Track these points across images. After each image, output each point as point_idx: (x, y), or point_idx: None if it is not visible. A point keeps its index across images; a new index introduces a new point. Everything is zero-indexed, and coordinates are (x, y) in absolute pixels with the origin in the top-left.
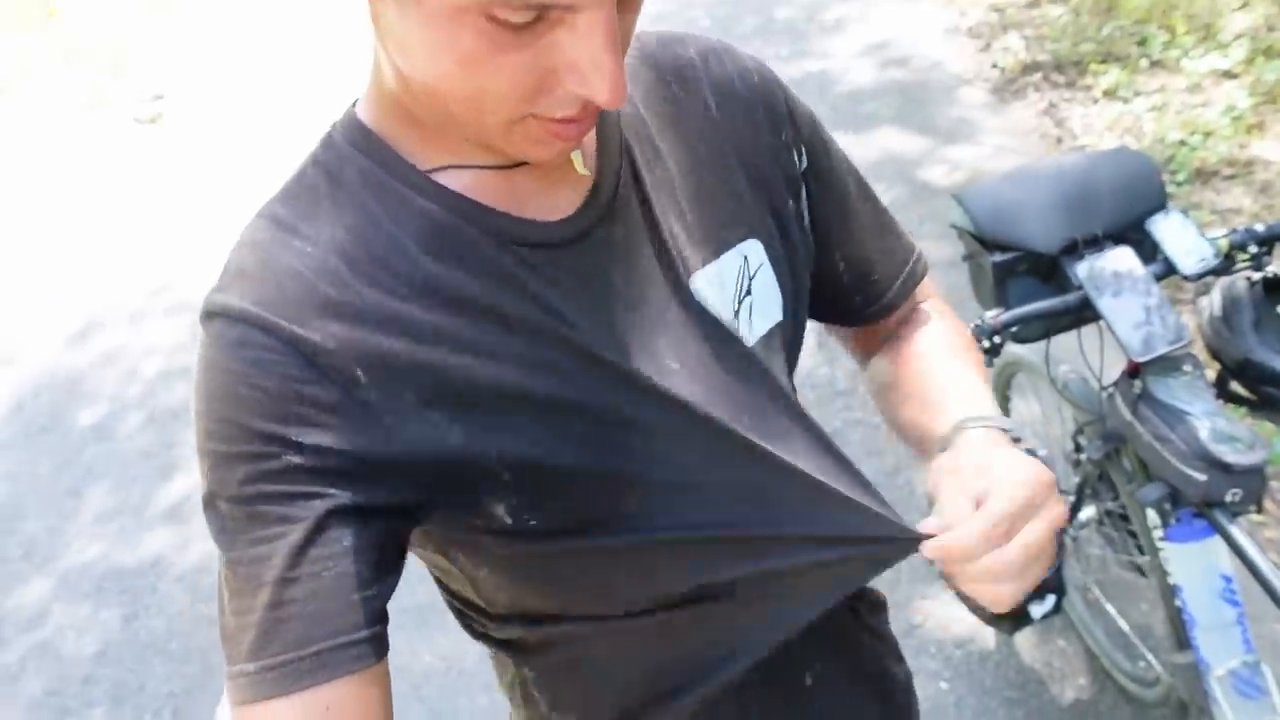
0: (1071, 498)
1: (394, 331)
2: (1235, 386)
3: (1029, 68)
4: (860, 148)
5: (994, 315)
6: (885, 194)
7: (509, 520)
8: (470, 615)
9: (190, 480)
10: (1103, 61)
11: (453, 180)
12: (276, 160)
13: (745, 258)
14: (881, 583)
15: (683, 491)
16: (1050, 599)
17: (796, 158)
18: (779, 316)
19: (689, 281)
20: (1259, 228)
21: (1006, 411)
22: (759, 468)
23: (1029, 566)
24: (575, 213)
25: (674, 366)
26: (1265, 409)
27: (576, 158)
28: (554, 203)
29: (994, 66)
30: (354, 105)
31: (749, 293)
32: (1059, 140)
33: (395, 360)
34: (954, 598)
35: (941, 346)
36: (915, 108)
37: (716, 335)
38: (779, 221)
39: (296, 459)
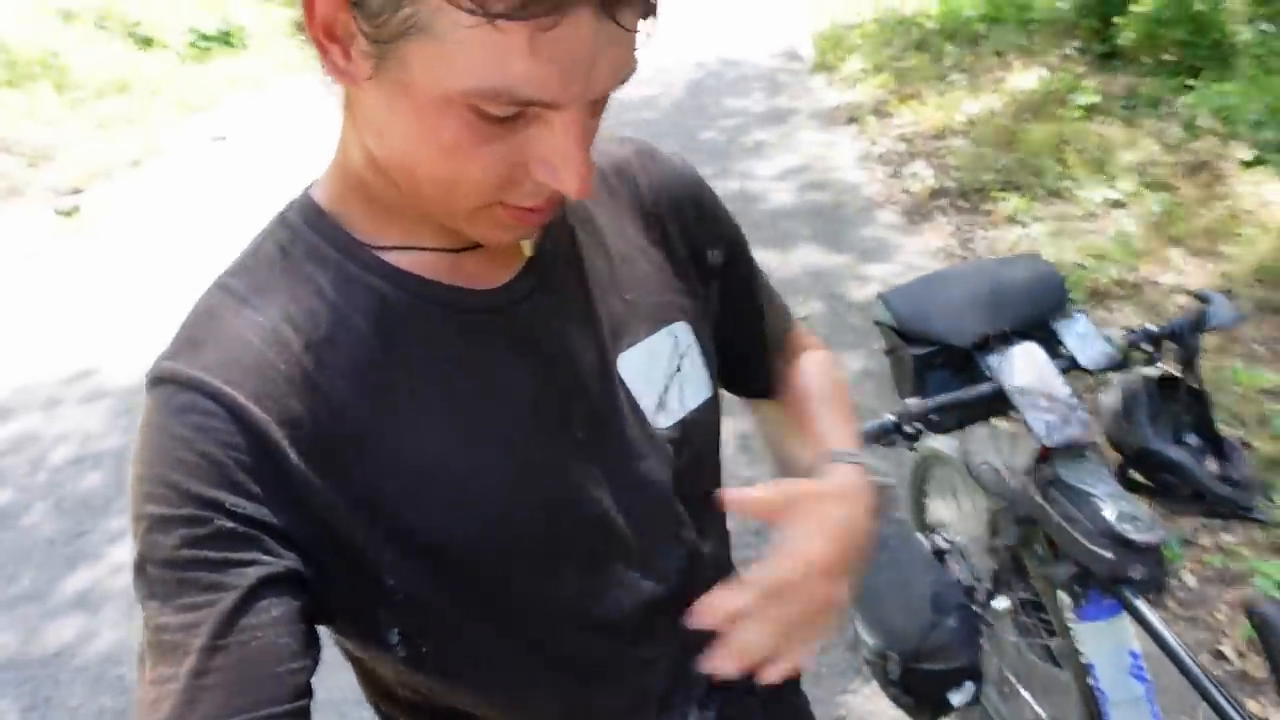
0: (988, 586)
1: (333, 406)
2: (1135, 475)
3: (936, 193)
4: (780, 263)
5: (915, 403)
6: (803, 306)
7: (400, 650)
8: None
9: (97, 570)
10: (1003, 189)
11: (400, 258)
12: (190, 256)
13: (675, 337)
14: (805, 678)
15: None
16: (969, 686)
17: (713, 253)
18: (708, 393)
19: (615, 358)
20: (1152, 328)
21: (922, 505)
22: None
23: (777, 642)
24: (510, 281)
25: (580, 437)
26: (1162, 495)
27: (524, 244)
28: (494, 274)
29: (904, 191)
30: (310, 187)
31: (679, 369)
32: (965, 260)
33: (330, 437)
34: (876, 690)
35: (822, 393)
36: (832, 227)
37: (632, 414)
38: (700, 307)
39: (232, 525)
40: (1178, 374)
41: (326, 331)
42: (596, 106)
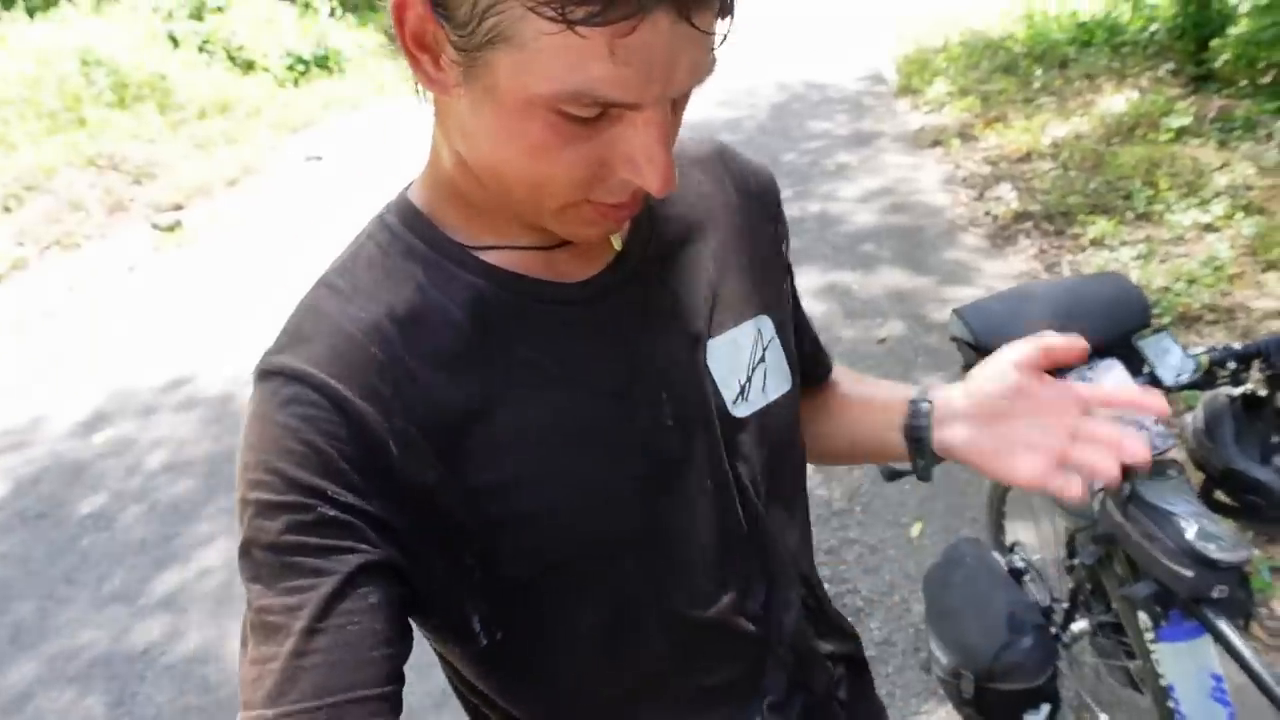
0: (1066, 607)
1: (432, 397)
2: (1219, 495)
3: (1021, 216)
4: (861, 285)
5: None
6: (883, 328)
7: (482, 639)
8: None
9: (185, 573)
10: (1090, 212)
11: (494, 256)
12: (283, 270)
13: (759, 330)
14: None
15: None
16: (1045, 708)
17: (784, 249)
18: (787, 385)
19: (703, 346)
20: (1236, 346)
21: (1000, 524)
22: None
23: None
24: (599, 273)
25: (669, 424)
26: (1247, 517)
27: (614, 237)
28: (585, 268)
29: (988, 214)
30: (406, 189)
31: (763, 360)
32: None
33: (429, 427)
34: (950, 713)
35: (866, 381)
36: (914, 250)
37: (715, 403)
38: (782, 301)
39: (334, 513)
40: (1264, 393)
41: (425, 325)
42: (678, 105)
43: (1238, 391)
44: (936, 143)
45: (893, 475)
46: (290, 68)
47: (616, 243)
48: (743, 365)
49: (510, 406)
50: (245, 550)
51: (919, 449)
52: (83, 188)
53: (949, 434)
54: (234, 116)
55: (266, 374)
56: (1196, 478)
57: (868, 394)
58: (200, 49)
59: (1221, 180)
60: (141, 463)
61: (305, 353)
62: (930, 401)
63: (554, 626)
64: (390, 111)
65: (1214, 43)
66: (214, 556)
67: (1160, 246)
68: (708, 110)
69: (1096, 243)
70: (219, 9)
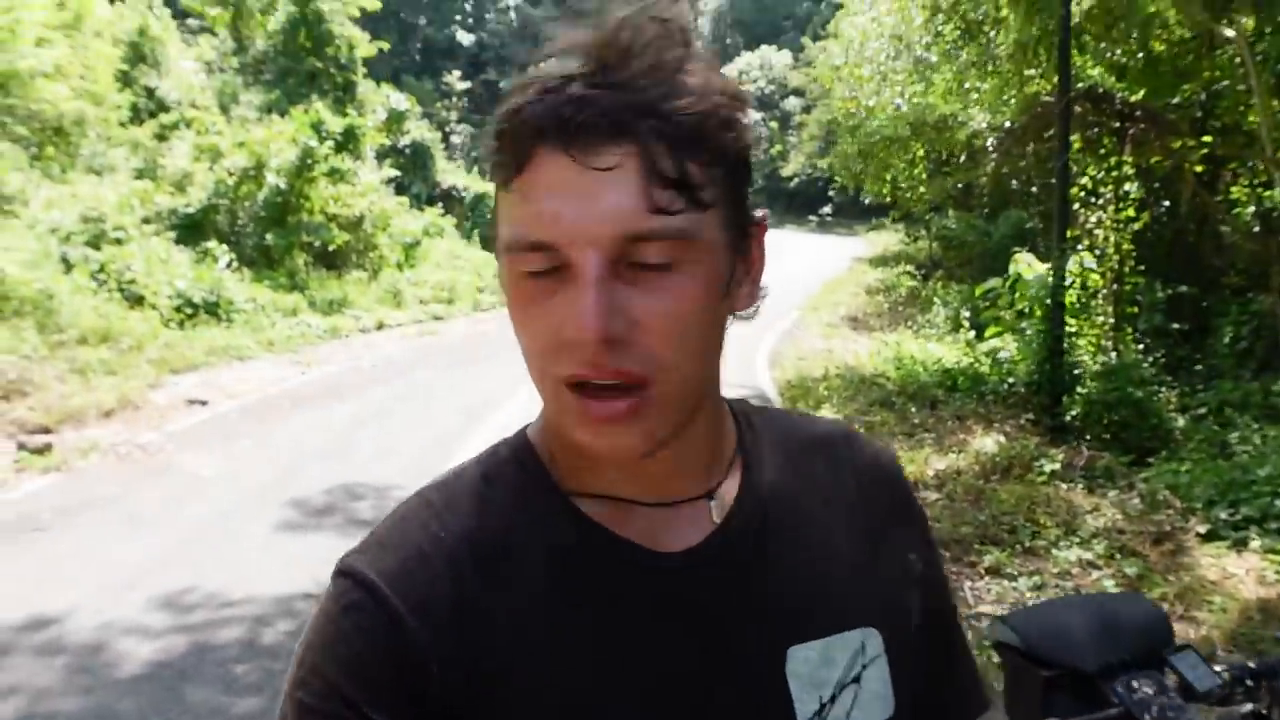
0: None
1: (487, 637)
2: None
3: None
4: None
5: None
6: None
7: None
8: None
9: None
10: (983, 543)
11: (592, 506)
12: (152, 508)
13: (863, 644)
14: None
15: None
16: None
17: (914, 557)
18: (884, 715)
19: (786, 649)
20: (1251, 664)
21: None
22: None
23: None
24: (692, 547)
25: None
26: None
27: (714, 506)
28: (679, 537)
29: None
30: (527, 426)
31: (856, 681)
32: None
33: (477, 665)
34: None
35: None
36: None
37: (785, 715)
38: (901, 619)
39: None
40: (1265, 711)
41: (502, 565)
42: (644, 276)
43: (1249, 708)
44: None
45: None
46: (178, 309)
47: (715, 514)
48: (830, 681)
49: (563, 667)
50: None
51: None
52: None
53: None
54: (117, 348)
55: (341, 573)
56: None
57: None
58: (92, 275)
59: (1095, 522)
60: None
61: (379, 562)
62: None
63: None
64: (278, 368)
65: (1065, 400)
66: None
67: (1052, 579)
68: None
69: (993, 571)
70: (118, 241)
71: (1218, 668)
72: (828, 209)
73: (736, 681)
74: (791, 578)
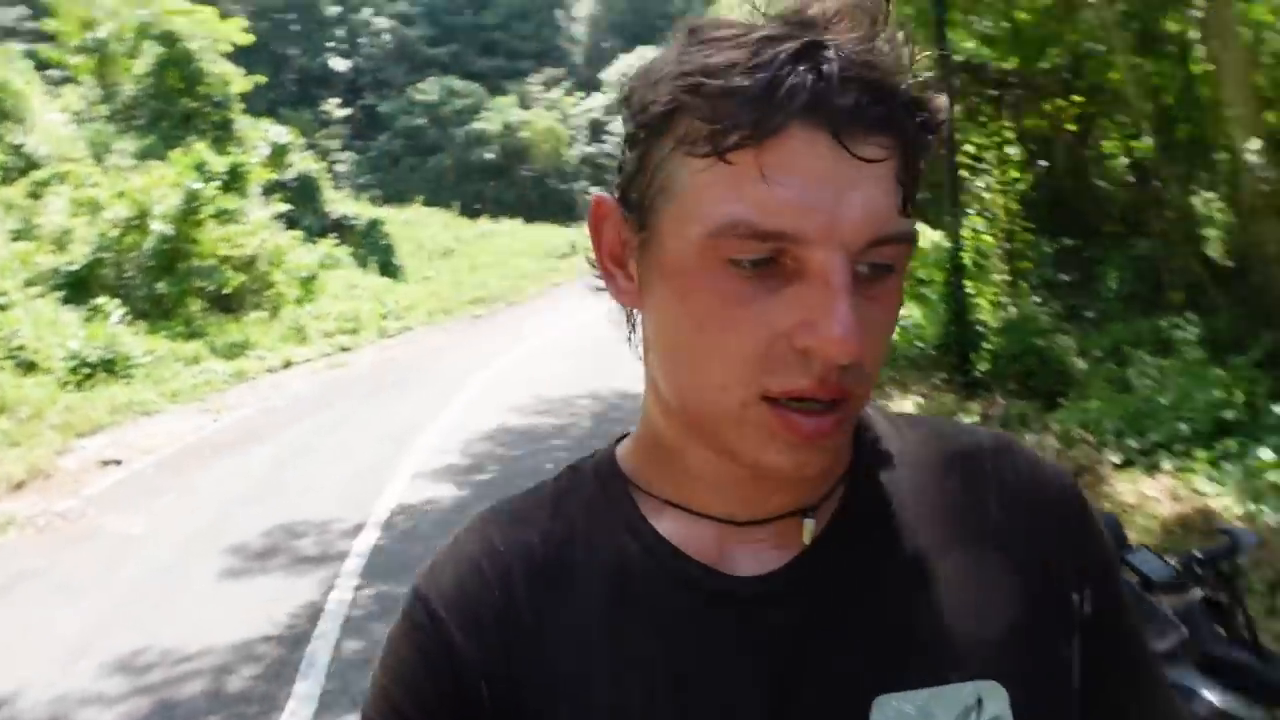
0: None
1: (535, 653)
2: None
3: None
4: None
5: None
6: None
7: None
8: None
9: None
10: None
11: (668, 522)
12: (79, 580)
13: (980, 700)
14: None
15: None
16: None
17: (1078, 597)
18: None
19: (875, 697)
20: (1198, 553)
21: None
22: None
23: None
24: (773, 572)
25: None
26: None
27: (806, 526)
28: (760, 561)
29: None
30: (618, 440)
31: None
32: None
33: (523, 682)
34: None
35: None
36: None
37: None
38: (1043, 675)
39: None
40: (1211, 596)
41: (560, 580)
42: (869, 281)
43: (1198, 594)
44: None
45: None
46: (74, 370)
47: (806, 535)
48: None
49: (612, 685)
50: None
51: None
52: None
53: None
54: (15, 417)
55: (413, 591)
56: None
57: None
58: None
59: None
60: None
61: (438, 581)
62: None
63: None
64: (188, 419)
65: (973, 357)
66: None
67: None
68: (535, 418)
69: None
70: (1, 307)
71: (1169, 559)
72: None
73: None
74: (889, 612)
